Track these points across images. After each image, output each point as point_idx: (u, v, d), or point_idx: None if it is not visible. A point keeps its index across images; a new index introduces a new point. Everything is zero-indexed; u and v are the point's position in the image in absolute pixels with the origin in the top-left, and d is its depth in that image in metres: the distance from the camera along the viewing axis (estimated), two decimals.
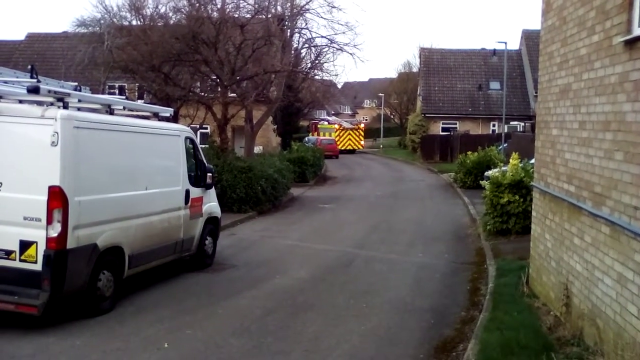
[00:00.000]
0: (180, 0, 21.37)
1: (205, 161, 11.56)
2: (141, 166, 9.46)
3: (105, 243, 8.25)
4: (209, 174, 11.46)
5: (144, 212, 9.28)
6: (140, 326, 7.85)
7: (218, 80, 21.31)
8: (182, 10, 21.52)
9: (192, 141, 11.15)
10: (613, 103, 6.18)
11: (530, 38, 46.13)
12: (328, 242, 14.55)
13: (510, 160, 14.80)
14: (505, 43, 37.90)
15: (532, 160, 11.83)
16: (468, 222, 17.91)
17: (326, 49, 27.44)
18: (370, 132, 73.44)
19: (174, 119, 16.78)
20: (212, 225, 11.68)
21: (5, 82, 9.01)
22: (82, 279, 7.85)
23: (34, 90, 7.61)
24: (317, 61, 28.55)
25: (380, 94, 73.17)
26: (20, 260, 7.49)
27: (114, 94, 23.79)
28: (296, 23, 27.07)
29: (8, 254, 7.52)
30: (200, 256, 11.22)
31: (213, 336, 7.56)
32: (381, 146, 64.34)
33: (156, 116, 10.57)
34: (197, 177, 11.14)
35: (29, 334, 7.31)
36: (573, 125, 7.51)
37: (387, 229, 16.72)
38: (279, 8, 24.55)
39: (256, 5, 22.30)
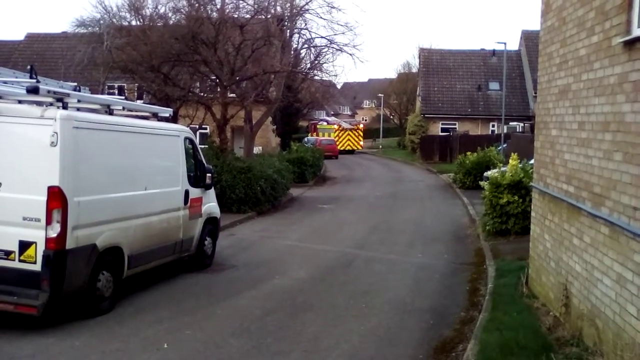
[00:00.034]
0: (180, 0, 21.40)
1: (204, 161, 11.56)
2: (140, 166, 9.46)
3: (105, 243, 8.25)
4: (209, 175, 11.45)
5: (143, 212, 9.28)
6: (140, 327, 7.84)
7: (217, 80, 21.31)
8: (182, 10, 21.52)
9: (191, 141, 11.15)
10: (612, 104, 6.18)
11: (529, 38, 46.17)
12: (327, 243, 14.55)
13: (510, 161, 14.80)
14: (505, 44, 38.09)
15: (532, 161, 11.83)
16: (467, 222, 17.92)
17: (326, 49, 27.45)
18: (370, 133, 73.45)
19: (174, 119, 16.78)
20: (212, 226, 11.68)
21: (5, 82, 9.00)
22: (81, 279, 7.84)
23: (34, 90, 7.61)
24: (316, 61, 28.56)
25: (379, 95, 73.20)
26: (20, 261, 7.48)
27: (113, 94, 23.77)
28: (296, 23, 27.08)
29: (7, 254, 7.52)
30: (199, 257, 11.22)
31: (212, 336, 7.56)
32: (380, 146, 64.37)
33: (155, 116, 10.57)
34: (196, 177, 11.14)
35: (29, 335, 7.30)
36: (572, 125, 7.51)
37: (386, 230, 16.72)
38: (278, 8, 24.57)
39: (256, 6, 22.30)
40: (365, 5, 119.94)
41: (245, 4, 22.35)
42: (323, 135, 54.36)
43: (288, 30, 26.47)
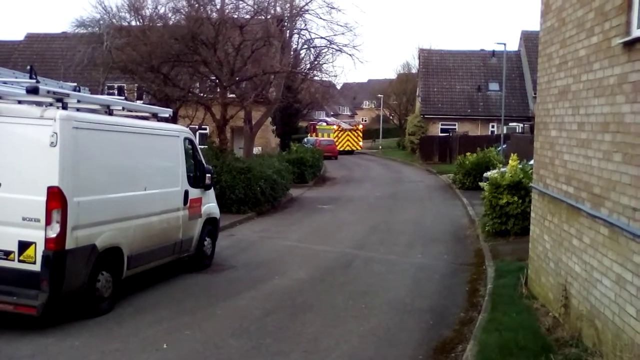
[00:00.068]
0: (180, 0, 21.40)
1: (204, 162, 11.56)
2: (140, 167, 9.46)
3: (104, 244, 8.25)
4: (208, 175, 11.45)
5: (143, 212, 9.28)
6: (139, 327, 7.84)
7: (217, 81, 21.30)
8: (182, 10, 21.52)
9: (191, 142, 11.15)
10: (612, 104, 6.19)
11: (529, 39, 46.19)
12: (327, 243, 14.55)
13: (509, 162, 14.80)
14: (505, 44, 38.34)
15: (531, 162, 11.83)
16: (467, 223, 17.92)
17: (325, 49, 27.48)
18: (370, 133, 73.48)
19: (173, 119, 16.78)
20: (211, 226, 11.67)
21: (5, 82, 9.00)
22: (81, 279, 7.84)
23: (33, 90, 7.61)
24: (316, 62, 28.59)
25: (379, 95, 73.23)
26: (19, 261, 7.48)
27: (113, 94, 23.77)
28: (295, 24, 27.09)
29: (7, 254, 7.51)
30: (199, 257, 11.22)
31: (212, 337, 7.56)
32: (380, 147, 64.37)
33: (155, 117, 10.56)
34: (196, 177, 11.14)
35: (28, 335, 7.30)
36: (572, 126, 7.52)
37: (386, 230, 16.72)
38: (278, 9, 24.58)
39: (255, 6, 22.30)
40: (365, 5, 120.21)
41: (245, 4, 22.37)
42: (322, 136, 54.36)
43: (288, 31, 26.47)
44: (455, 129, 48.14)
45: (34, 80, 9.12)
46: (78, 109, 8.33)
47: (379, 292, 10.01)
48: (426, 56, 53.79)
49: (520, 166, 14.58)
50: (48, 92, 7.80)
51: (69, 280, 7.58)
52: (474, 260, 12.67)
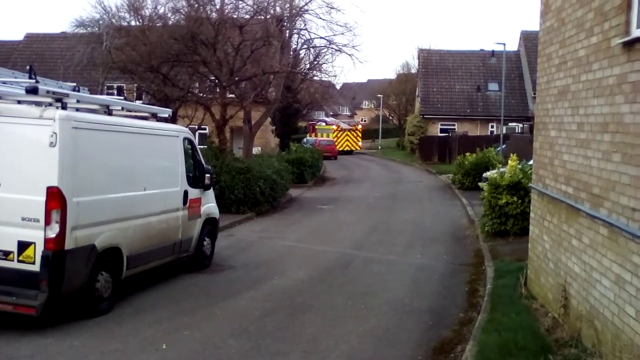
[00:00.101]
0: (179, 0, 21.40)
1: (203, 162, 11.55)
2: (139, 167, 9.46)
3: (104, 244, 8.25)
4: (208, 175, 11.45)
5: (142, 213, 9.27)
6: (139, 327, 7.84)
7: (217, 80, 21.30)
8: (181, 10, 21.51)
9: (190, 142, 11.14)
10: (611, 104, 6.19)
11: (528, 39, 46.19)
12: (326, 243, 14.55)
13: (509, 162, 14.81)
14: (504, 44, 38.26)
15: (531, 162, 11.83)
16: (466, 223, 17.93)
17: (325, 49, 27.47)
18: (369, 133, 73.50)
19: (173, 119, 16.76)
20: (211, 226, 11.67)
21: (4, 82, 9.00)
22: (80, 279, 7.84)
23: (33, 90, 7.61)
24: (315, 62, 28.58)
25: (378, 95, 73.23)
26: (19, 261, 7.48)
27: (112, 94, 23.76)
28: (295, 24, 27.08)
29: (6, 254, 7.51)
30: (198, 257, 11.21)
31: (211, 337, 7.56)
32: (379, 147, 64.37)
33: (154, 117, 10.55)
34: (195, 178, 11.13)
35: (27, 335, 7.30)
36: (571, 126, 7.52)
37: (385, 230, 16.72)
38: (277, 9, 24.56)
39: (255, 6, 22.30)
40: (365, 5, 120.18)
41: (244, 4, 22.37)
42: (321, 136, 54.36)
43: (287, 31, 26.46)
44: (454, 129, 48.13)
45: (34, 80, 9.11)
46: (77, 109, 8.32)
47: (378, 293, 10.01)
48: (426, 56, 53.80)
49: (520, 166, 14.59)
50: (47, 92, 7.80)
51: (68, 280, 7.58)
52: (473, 261, 12.67)
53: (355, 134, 58.28)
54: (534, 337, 7.09)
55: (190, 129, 14.23)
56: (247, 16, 21.97)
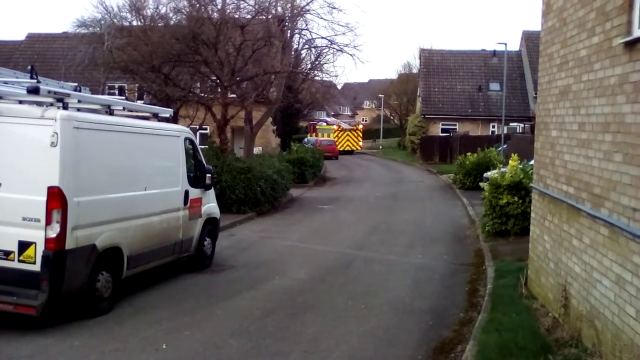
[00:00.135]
0: (181, 0, 21.41)
1: (204, 162, 11.56)
2: (140, 167, 9.46)
3: (104, 244, 8.25)
4: (208, 175, 11.45)
5: (143, 212, 9.28)
6: (139, 327, 7.84)
7: (218, 81, 21.31)
8: (183, 10, 21.54)
9: (191, 142, 11.15)
10: (612, 104, 6.18)
11: (530, 39, 46.17)
12: (327, 243, 14.55)
13: (510, 162, 14.80)
14: (505, 44, 38.40)
15: (532, 162, 11.83)
16: (467, 223, 17.92)
17: (326, 49, 27.51)
18: (370, 133, 73.45)
19: (174, 119, 16.77)
20: (211, 226, 11.67)
21: (5, 82, 9.01)
22: (80, 279, 7.84)
23: (34, 90, 7.61)
24: (317, 62, 28.61)
25: (380, 95, 73.22)
26: (19, 261, 7.48)
27: (113, 94, 23.79)
28: (296, 24, 27.11)
29: (7, 254, 7.51)
30: (199, 257, 11.21)
31: (212, 337, 7.56)
32: (380, 147, 64.35)
33: (156, 117, 10.56)
34: (196, 177, 11.14)
35: (28, 335, 7.30)
36: (572, 126, 7.51)
37: (386, 230, 16.72)
38: (279, 9, 24.60)
39: (256, 6, 22.31)
40: (366, 5, 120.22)
41: (246, 4, 22.40)
42: (322, 136, 54.34)
43: (289, 31, 26.49)
44: (455, 129, 48.12)
45: (35, 80, 9.12)
46: (79, 109, 8.33)
47: (379, 292, 10.01)
48: (427, 56, 53.78)
49: (521, 166, 14.58)
50: (49, 92, 7.81)
51: (68, 280, 7.58)
52: (474, 261, 12.67)
53: (356, 134, 58.26)
54: (534, 337, 7.09)
55: (191, 129, 14.23)
56: (249, 16, 22.00)
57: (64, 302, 7.76)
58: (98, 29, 23.25)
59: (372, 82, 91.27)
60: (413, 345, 7.50)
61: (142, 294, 9.38)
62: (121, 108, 9.50)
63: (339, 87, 57.25)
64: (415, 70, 66.69)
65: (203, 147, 16.83)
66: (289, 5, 25.24)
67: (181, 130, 11.27)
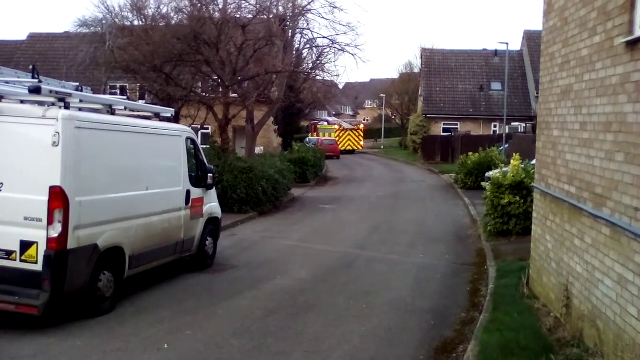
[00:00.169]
0: (182, 0, 21.41)
1: (206, 162, 11.56)
2: (142, 166, 9.47)
3: (106, 243, 8.25)
4: (210, 175, 11.46)
5: (144, 212, 9.28)
6: (141, 327, 7.85)
7: (219, 80, 21.32)
8: (184, 10, 21.54)
9: (193, 142, 11.15)
10: (614, 104, 6.18)
11: (531, 39, 46.10)
12: (329, 243, 14.55)
13: (511, 161, 14.79)
14: (507, 44, 37.97)
15: (533, 161, 11.82)
16: (469, 223, 17.91)
17: (328, 49, 27.49)
18: (372, 133, 73.43)
19: (175, 119, 16.77)
20: (213, 226, 11.68)
21: (7, 82, 9.03)
22: (82, 279, 7.85)
23: (36, 90, 7.62)
24: (318, 62, 28.60)
25: (381, 95, 73.17)
26: (21, 261, 7.49)
27: (115, 94, 23.80)
28: (298, 23, 27.09)
29: (9, 254, 7.52)
30: (200, 257, 11.22)
31: (213, 337, 7.56)
32: (382, 147, 64.34)
33: (157, 116, 10.58)
34: (198, 177, 11.14)
35: (30, 335, 7.31)
36: (574, 126, 7.50)
37: (388, 230, 16.72)
38: (280, 8, 24.57)
39: (258, 6, 22.32)
40: (368, 5, 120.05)
41: (247, 4, 22.40)
42: (323, 136, 54.33)
43: (290, 31, 26.49)
44: (457, 128, 48.09)
45: (37, 80, 9.17)
46: (80, 109, 8.33)
47: (380, 292, 10.00)
48: (428, 56, 53.74)
49: (522, 166, 14.57)
50: (50, 91, 7.82)
51: (70, 280, 7.59)
52: (475, 260, 12.66)
53: (357, 134, 58.25)
54: (536, 337, 7.09)
55: (193, 128, 14.24)
56: (250, 16, 22.00)
57: (65, 301, 7.76)
58: (99, 28, 23.24)
59: (373, 82, 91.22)
60: (415, 345, 7.50)
61: (144, 293, 9.38)
62: (123, 108, 9.51)
63: (341, 86, 57.29)
64: (416, 70, 66.64)
65: (205, 146, 16.87)
66: (291, 5, 25.24)
67: (183, 130, 11.28)
